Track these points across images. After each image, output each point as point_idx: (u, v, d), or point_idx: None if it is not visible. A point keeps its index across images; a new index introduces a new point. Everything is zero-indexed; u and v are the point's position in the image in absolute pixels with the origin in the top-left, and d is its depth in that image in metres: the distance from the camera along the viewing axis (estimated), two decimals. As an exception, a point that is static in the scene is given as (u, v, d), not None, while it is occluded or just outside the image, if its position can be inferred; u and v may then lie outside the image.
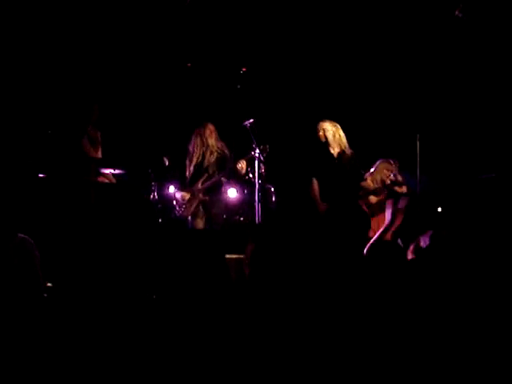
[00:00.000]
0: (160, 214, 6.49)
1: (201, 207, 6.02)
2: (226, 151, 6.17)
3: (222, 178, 6.18)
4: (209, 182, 6.06)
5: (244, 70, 7.23)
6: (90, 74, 7.31)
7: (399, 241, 6.55)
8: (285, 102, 7.96)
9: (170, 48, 7.91)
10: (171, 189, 6.94)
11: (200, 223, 6.03)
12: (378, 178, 6.64)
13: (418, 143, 6.44)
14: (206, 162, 6.09)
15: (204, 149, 6.14)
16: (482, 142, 7.32)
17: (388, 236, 6.58)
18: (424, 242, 5.83)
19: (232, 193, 6.94)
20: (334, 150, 6.14)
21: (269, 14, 7.81)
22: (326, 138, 6.12)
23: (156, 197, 6.73)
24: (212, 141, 6.15)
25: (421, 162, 6.44)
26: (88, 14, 7.20)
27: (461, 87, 7.49)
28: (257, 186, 6.40)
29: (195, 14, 7.83)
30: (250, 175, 7.10)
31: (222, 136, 6.98)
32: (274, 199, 7.54)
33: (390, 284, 5.14)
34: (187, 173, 6.16)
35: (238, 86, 7.29)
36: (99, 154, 6.43)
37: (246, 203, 7.21)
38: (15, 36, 6.92)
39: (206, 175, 6.08)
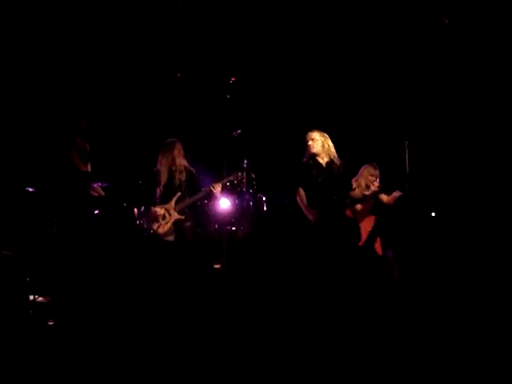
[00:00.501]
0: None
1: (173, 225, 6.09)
2: (192, 170, 6.27)
3: (200, 198, 6.28)
4: (186, 203, 6.12)
5: (233, 80, 7.22)
6: (78, 87, 7.31)
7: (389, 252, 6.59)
8: (274, 111, 7.97)
9: (159, 59, 7.91)
10: (224, 202, 6.97)
11: (171, 238, 6.07)
12: (363, 183, 6.67)
13: (406, 150, 6.45)
14: (176, 181, 6.17)
15: (173, 168, 6.20)
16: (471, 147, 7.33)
17: (375, 244, 6.59)
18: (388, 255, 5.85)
19: (224, 203, 6.95)
20: (323, 160, 6.12)
21: (258, 24, 7.82)
22: (315, 147, 6.11)
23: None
24: (180, 160, 6.22)
25: (410, 168, 6.45)
26: (75, 28, 7.20)
27: (449, 94, 7.50)
28: (246, 196, 6.43)
29: (185, 25, 7.84)
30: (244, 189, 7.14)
31: (210, 146, 7.02)
32: (265, 209, 7.57)
33: (377, 287, 5.13)
34: (158, 191, 6.18)
35: (228, 96, 7.28)
36: (88, 168, 6.40)
37: (237, 213, 7.24)
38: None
39: (179, 194, 6.14)
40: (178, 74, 7.93)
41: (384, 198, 6.60)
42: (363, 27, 7.48)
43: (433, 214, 7.65)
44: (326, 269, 5.71)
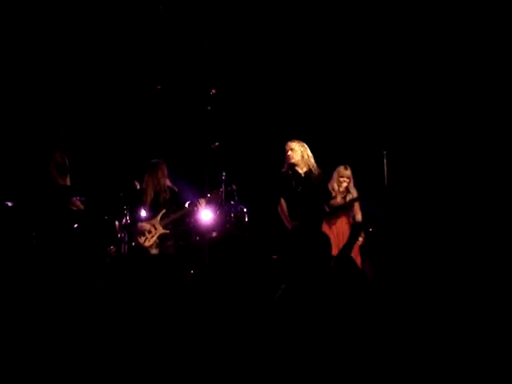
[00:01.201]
0: (131, 238, 6.69)
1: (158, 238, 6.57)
2: (174, 188, 6.76)
3: (184, 214, 6.70)
4: (170, 218, 6.58)
5: (214, 91, 7.24)
6: (55, 99, 7.30)
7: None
8: (252, 122, 7.99)
9: (138, 71, 7.92)
10: (143, 212, 6.98)
11: (155, 251, 6.54)
12: (336, 186, 6.70)
13: (385, 160, 6.50)
14: (161, 200, 6.67)
15: (157, 188, 6.69)
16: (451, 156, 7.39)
17: (355, 255, 6.63)
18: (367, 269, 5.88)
19: (206, 215, 6.99)
20: (302, 170, 6.15)
21: (237, 36, 7.86)
22: (294, 158, 6.14)
23: (128, 220, 6.80)
24: (164, 180, 6.71)
25: (388, 179, 6.49)
26: (51, 38, 7.20)
27: (428, 102, 7.56)
28: (226, 208, 6.45)
29: (165, 37, 7.86)
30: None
31: (191, 158, 7.07)
32: (246, 219, 7.57)
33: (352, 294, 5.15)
34: (142, 209, 6.68)
35: (209, 108, 7.30)
36: (67, 181, 6.39)
37: (219, 224, 7.25)
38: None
39: (164, 211, 6.61)
40: (159, 87, 7.95)
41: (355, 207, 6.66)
42: (339, 38, 7.54)
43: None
44: (300, 277, 5.73)
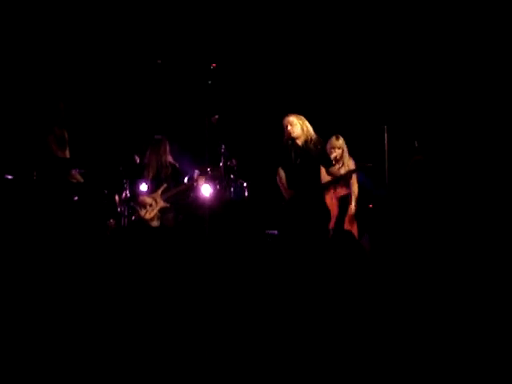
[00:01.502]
0: (132, 211, 6.78)
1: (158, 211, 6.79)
2: (176, 164, 6.97)
3: (184, 188, 6.91)
4: (171, 192, 6.80)
5: (214, 66, 7.20)
6: (54, 72, 7.26)
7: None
8: (250, 96, 7.97)
9: (138, 45, 7.88)
10: (143, 186, 7.01)
11: (155, 224, 6.76)
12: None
13: (385, 135, 6.48)
14: (162, 175, 6.90)
15: (159, 164, 6.89)
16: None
17: (347, 224, 6.64)
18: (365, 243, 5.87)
19: (206, 190, 7.00)
20: (302, 142, 6.12)
21: (238, 10, 7.81)
22: (295, 131, 6.10)
23: (128, 194, 6.84)
24: (165, 157, 6.92)
25: (389, 154, 6.48)
26: (51, 14, 7.15)
27: (430, 79, 7.53)
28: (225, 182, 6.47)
29: (165, 11, 7.81)
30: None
31: (191, 131, 7.07)
32: (246, 194, 7.58)
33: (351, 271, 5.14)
34: (144, 183, 6.89)
35: (209, 82, 7.27)
36: (67, 154, 6.37)
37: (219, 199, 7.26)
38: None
39: (165, 185, 6.83)
40: (158, 61, 7.89)
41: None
42: (342, 20, 7.49)
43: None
44: (296, 249, 5.75)
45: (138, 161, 7.22)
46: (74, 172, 6.37)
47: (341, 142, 6.75)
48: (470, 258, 6.15)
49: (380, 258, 6.36)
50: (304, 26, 7.75)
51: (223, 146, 6.52)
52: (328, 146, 6.70)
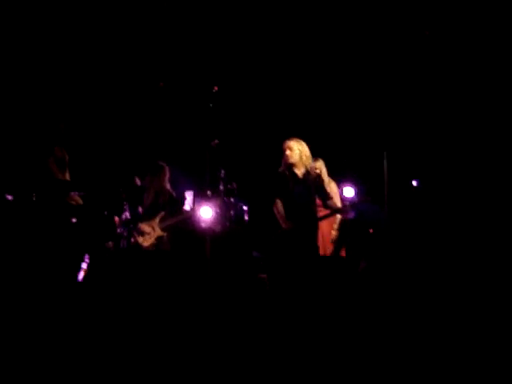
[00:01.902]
0: (131, 234, 6.77)
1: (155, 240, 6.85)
2: (173, 194, 7.01)
3: (184, 218, 6.91)
4: (168, 222, 6.84)
5: (216, 89, 7.23)
6: (55, 92, 7.29)
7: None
8: (252, 120, 7.99)
9: (141, 68, 7.93)
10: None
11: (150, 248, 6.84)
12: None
13: (385, 161, 6.47)
14: (160, 201, 6.93)
15: (158, 190, 6.93)
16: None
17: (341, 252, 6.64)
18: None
19: (206, 213, 7.00)
20: (300, 171, 6.08)
21: (239, 34, 7.86)
22: (292, 157, 6.06)
23: (128, 216, 6.84)
24: (165, 184, 6.97)
25: (388, 179, 6.47)
26: (54, 33, 7.20)
27: (428, 102, 7.55)
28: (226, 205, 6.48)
29: (168, 34, 7.86)
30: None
31: (192, 155, 7.11)
32: (246, 218, 7.57)
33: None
34: (141, 209, 6.97)
35: (211, 105, 7.30)
36: (67, 176, 6.37)
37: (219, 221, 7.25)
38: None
39: (163, 213, 6.86)
40: (161, 84, 7.95)
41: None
42: (339, 39, 7.53)
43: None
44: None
45: (139, 183, 7.24)
46: (73, 194, 6.37)
47: (319, 163, 6.67)
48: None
49: (376, 280, 6.33)
50: (304, 50, 7.79)
51: (222, 171, 6.54)
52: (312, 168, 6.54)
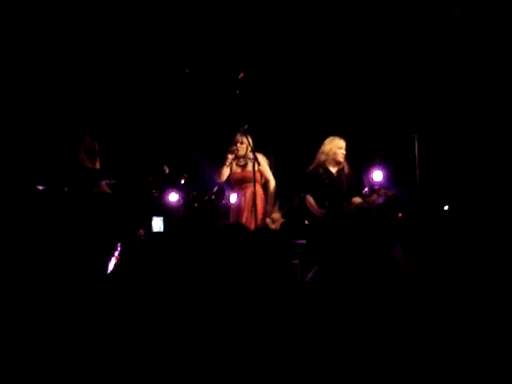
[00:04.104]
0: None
1: None
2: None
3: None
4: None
5: (242, 75, 7.21)
6: (86, 82, 7.31)
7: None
8: (280, 105, 7.95)
9: (167, 54, 7.91)
10: (173, 196, 7.03)
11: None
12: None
13: (416, 143, 6.42)
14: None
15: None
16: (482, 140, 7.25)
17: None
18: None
19: (233, 198, 7.02)
20: (334, 168, 6.18)
21: (266, 19, 7.80)
22: (342, 157, 6.17)
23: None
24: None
25: (419, 162, 6.41)
26: (81, 20, 7.21)
27: (459, 85, 7.43)
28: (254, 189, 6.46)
29: (194, 20, 7.84)
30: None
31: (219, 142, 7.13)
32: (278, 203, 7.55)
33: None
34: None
35: (237, 92, 7.28)
36: (97, 165, 6.40)
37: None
38: (11, 42, 6.91)
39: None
40: (187, 70, 7.93)
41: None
42: (369, 20, 7.44)
43: (446, 208, 7.57)
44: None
45: (167, 171, 7.25)
46: (103, 183, 6.40)
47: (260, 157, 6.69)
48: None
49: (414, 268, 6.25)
50: (333, 34, 7.71)
51: (253, 156, 6.49)
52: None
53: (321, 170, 6.14)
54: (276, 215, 6.72)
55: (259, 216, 6.39)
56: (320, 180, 6.12)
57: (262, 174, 6.53)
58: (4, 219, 5.63)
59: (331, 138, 6.51)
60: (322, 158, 6.24)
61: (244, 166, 6.64)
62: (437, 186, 7.37)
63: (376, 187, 6.64)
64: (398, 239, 6.74)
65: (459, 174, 7.48)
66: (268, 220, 6.67)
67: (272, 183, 6.57)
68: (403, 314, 4.48)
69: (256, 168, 6.44)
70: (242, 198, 6.54)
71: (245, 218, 6.41)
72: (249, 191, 6.49)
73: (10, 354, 3.54)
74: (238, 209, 6.53)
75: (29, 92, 6.96)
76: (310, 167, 6.29)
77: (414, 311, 4.55)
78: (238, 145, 6.64)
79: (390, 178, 6.76)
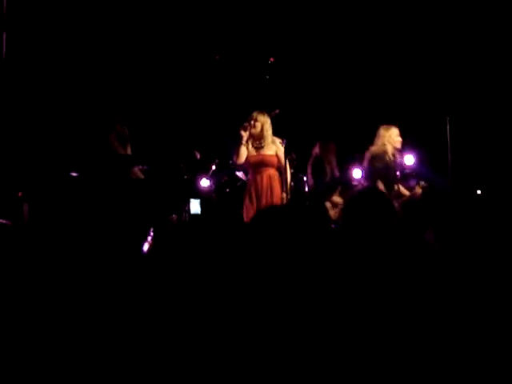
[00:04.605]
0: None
1: None
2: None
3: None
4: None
5: (272, 60, 7.18)
6: (116, 70, 7.37)
7: None
8: (310, 90, 7.93)
9: (197, 41, 7.94)
10: (204, 182, 7.07)
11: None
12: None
13: (448, 126, 6.35)
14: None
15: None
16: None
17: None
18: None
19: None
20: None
21: (295, 6, 7.79)
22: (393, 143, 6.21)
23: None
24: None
25: (451, 145, 6.35)
26: (111, 10, 7.27)
27: (492, 67, 7.33)
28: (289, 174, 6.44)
29: (223, 7, 7.85)
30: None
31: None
32: (306, 189, 7.52)
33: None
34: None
35: (267, 77, 7.26)
36: (128, 151, 6.46)
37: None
38: (44, 36, 7.01)
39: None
40: (217, 57, 7.94)
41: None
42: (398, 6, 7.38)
43: (478, 192, 7.49)
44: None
45: (199, 157, 7.28)
46: (135, 169, 6.46)
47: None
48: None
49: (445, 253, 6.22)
50: (363, 20, 7.65)
51: (284, 140, 6.43)
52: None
53: (387, 159, 6.21)
54: (337, 198, 6.70)
55: (276, 200, 6.30)
56: (388, 168, 6.19)
57: (279, 159, 6.44)
58: (41, 206, 5.72)
59: (385, 126, 6.51)
60: (388, 148, 6.26)
61: (259, 149, 6.55)
62: (469, 170, 7.29)
63: (407, 171, 6.61)
64: (431, 224, 6.71)
65: (492, 157, 7.39)
66: (328, 204, 6.63)
67: (288, 168, 6.51)
68: (432, 300, 4.43)
69: (273, 152, 6.39)
70: (259, 182, 6.42)
71: (264, 202, 6.31)
72: (265, 175, 6.40)
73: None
74: (256, 194, 6.42)
75: (62, 83, 7.06)
76: (376, 158, 6.27)
77: (442, 297, 4.49)
78: (252, 122, 6.50)
79: (421, 161, 6.73)
